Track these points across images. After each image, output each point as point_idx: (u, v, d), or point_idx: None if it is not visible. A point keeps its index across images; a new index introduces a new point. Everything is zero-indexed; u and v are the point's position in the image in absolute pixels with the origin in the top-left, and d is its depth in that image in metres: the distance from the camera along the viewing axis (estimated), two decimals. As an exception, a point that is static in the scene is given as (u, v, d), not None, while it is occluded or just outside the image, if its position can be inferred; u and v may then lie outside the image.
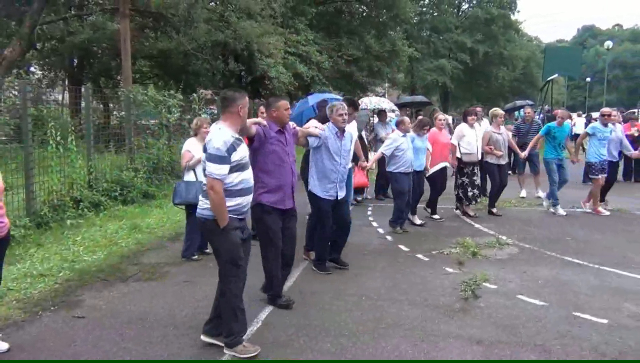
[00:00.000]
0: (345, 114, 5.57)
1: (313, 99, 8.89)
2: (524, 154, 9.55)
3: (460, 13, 42.00)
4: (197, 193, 6.06)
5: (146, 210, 9.01)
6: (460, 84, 39.71)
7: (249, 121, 4.36)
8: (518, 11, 42.45)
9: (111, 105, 15.64)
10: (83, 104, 10.09)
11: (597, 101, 56.75)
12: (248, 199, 4.01)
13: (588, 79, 56.27)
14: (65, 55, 20.06)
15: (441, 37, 38.16)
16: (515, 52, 41.14)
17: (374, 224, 8.15)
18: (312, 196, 5.68)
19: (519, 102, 19.05)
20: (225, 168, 3.72)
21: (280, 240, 4.68)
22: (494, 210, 9.05)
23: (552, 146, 9.10)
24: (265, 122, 4.62)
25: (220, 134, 3.77)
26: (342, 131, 5.59)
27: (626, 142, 9.80)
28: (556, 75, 23.00)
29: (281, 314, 4.65)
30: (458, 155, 8.72)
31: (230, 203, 3.83)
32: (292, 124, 4.96)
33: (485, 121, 10.24)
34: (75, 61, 20.91)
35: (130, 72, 13.93)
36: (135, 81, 17.27)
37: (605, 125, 9.08)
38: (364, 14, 27.00)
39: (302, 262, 6.15)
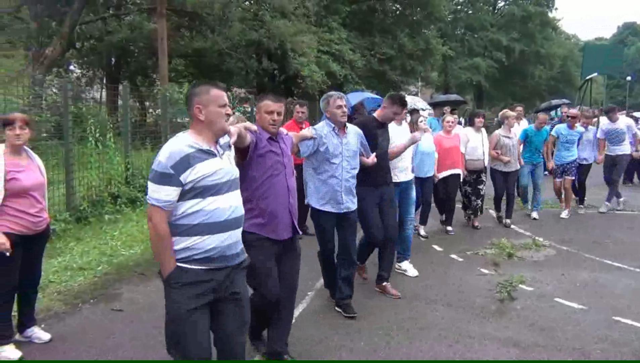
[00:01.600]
0: (345, 106, 4.49)
1: (354, 98, 8.74)
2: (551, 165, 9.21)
3: (495, 11, 41.33)
4: None
5: (181, 206, 9.14)
6: (495, 83, 39.06)
7: (239, 125, 3.29)
8: (556, 8, 41.43)
9: (147, 103, 15.94)
10: (120, 102, 10.31)
11: (638, 100, 55.12)
12: (213, 240, 2.68)
13: (629, 78, 54.69)
14: (104, 54, 20.52)
15: (476, 35, 37.63)
16: (553, 51, 40.27)
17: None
18: (312, 212, 4.57)
19: (554, 102, 18.64)
20: (169, 191, 2.59)
21: (271, 283, 3.54)
22: (508, 221, 8.20)
23: (527, 150, 8.62)
24: (255, 128, 3.50)
25: (171, 142, 2.69)
26: (342, 126, 4.48)
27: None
28: (595, 73, 22.38)
29: (315, 312, 4.66)
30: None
31: (178, 245, 2.64)
32: (283, 130, 3.89)
33: (524, 121, 10.05)
34: (113, 59, 21.36)
35: (167, 70, 14.15)
36: (171, 80, 17.57)
37: (571, 127, 8.87)
38: (398, 12, 26.83)
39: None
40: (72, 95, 8.52)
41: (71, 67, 22.20)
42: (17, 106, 7.97)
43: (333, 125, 4.44)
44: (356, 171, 4.56)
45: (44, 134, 8.69)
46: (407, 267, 5.83)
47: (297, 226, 3.65)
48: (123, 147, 9.30)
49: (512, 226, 8.09)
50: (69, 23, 15.85)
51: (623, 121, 9.57)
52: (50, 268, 5.52)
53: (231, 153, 2.92)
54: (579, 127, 8.95)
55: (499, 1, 41.88)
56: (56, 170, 7.67)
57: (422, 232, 7.51)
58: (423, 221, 7.53)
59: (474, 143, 7.87)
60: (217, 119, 2.74)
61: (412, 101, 14.81)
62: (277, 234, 3.54)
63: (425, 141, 6.84)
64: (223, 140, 2.86)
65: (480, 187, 8.00)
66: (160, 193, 2.60)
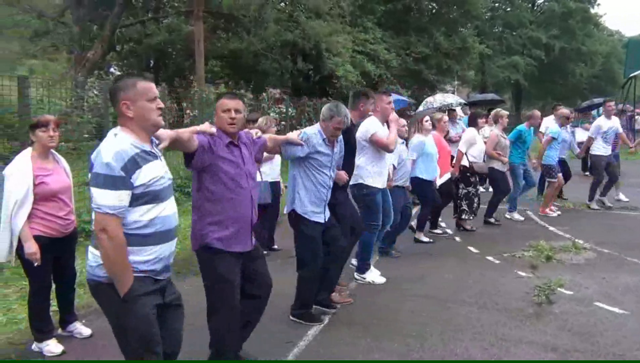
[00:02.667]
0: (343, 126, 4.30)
1: None
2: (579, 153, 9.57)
3: (535, 7, 40.43)
4: (262, 194, 6.15)
5: (217, 206, 9.26)
6: (534, 82, 38.20)
7: (189, 129, 3.12)
8: (598, 4, 40.24)
9: (184, 104, 16.21)
10: (159, 103, 10.50)
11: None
12: (167, 249, 2.61)
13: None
14: (143, 56, 21.00)
15: (514, 33, 36.88)
16: (595, 48, 39.14)
17: (442, 224, 7.99)
18: (298, 219, 4.29)
19: (596, 100, 18.13)
20: (122, 195, 2.39)
21: (237, 294, 3.37)
22: (492, 220, 8.15)
23: (521, 150, 8.41)
24: (214, 130, 3.26)
25: (114, 142, 2.46)
26: (331, 140, 4.29)
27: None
28: (639, 71, 21.62)
29: (347, 312, 4.65)
30: (465, 163, 7.60)
31: (135, 256, 2.49)
32: (254, 132, 3.70)
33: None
34: (152, 61, 21.84)
35: (203, 72, 14.38)
36: (207, 81, 17.84)
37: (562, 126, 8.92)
38: (434, 10, 26.53)
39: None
40: (112, 97, 8.72)
41: (111, 70, 22.78)
42: (60, 108, 8.23)
43: (325, 136, 4.25)
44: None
45: (85, 135, 8.93)
46: (371, 276, 5.52)
47: (252, 242, 3.49)
48: (161, 147, 9.47)
49: (551, 227, 7.91)
50: (110, 27, 16.27)
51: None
52: (90, 266, 5.67)
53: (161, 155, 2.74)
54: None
55: (539, -2, 41.01)
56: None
57: (423, 239, 7.18)
58: (420, 226, 7.22)
59: (480, 146, 7.70)
60: (147, 115, 2.53)
61: (443, 98, 14.61)
62: (242, 245, 3.37)
63: (430, 143, 6.78)
64: (155, 141, 2.69)
65: (479, 189, 7.88)
66: (111, 199, 2.37)
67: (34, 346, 3.93)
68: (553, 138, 8.61)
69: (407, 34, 23.87)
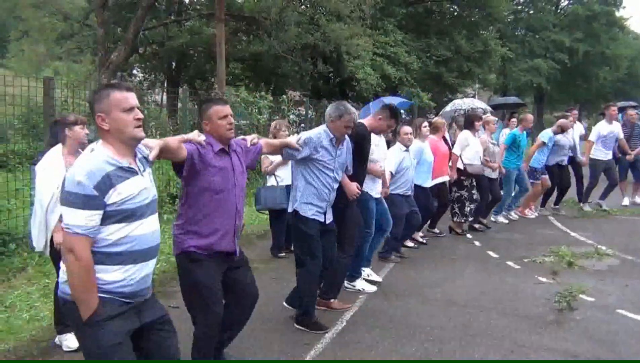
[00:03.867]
0: (352, 128, 4.34)
1: (390, 101, 8.70)
2: (630, 157, 9.33)
3: (558, 10, 39.90)
4: (277, 199, 6.17)
5: (236, 207, 9.32)
6: (557, 85, 37.68)
7: (176, 138, 3.06)
8: (623, 7, 39.68)
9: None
10: (180, 105, 10.61)
11: None
12: (142, 271, 2.45)
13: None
14: (165, 58, 21.23)
15: (537, 36, 36.44)
16: (619, 51, 38.46)
17: (468, 235, 7.88)
18: (299, 219, 4.26)
19: (619, 104, 17.82)
20: (92, 215, 2.26)
21: (218, 300, 3.31)
22: (477, 226, 8.06)
23: (515, 154, 8.38)
24: (203, 138, 3.18)
25: (88, 159, 2.33)
26: (339, 139, 4.32)
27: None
28: (666, 75, 21.25)
29: (366, 315, 4.65)
30: (460, 166, 7.56)
31: (105, 276, 2.35)
32: (250, 138, 3.63)
33: (579, 125, 9.75)
34: (174, 64, 22.06)
35: (224, 74, 14.46)
36: (228, 83, 17.95)
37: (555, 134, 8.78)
38: (455, 13, 26.35)
39: (386, 262, 6.13)
40: (134, 98, 8.85)
41: (134, 72, 23.08)
42: (84, 110, 8.36)
43: (332, 136, 4.25)
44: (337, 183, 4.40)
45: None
46: (362, 284, 5.42)
47: (237, 249, 3.43)
48: (182, 149, 9.56)
49: (573, 233, 7.80)
50: (133, 29, 16.46)
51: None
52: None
53: (151, 170, 2.63)
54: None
55: (562, 1, 40.46)
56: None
57: (419, 238, 7.20)
58: (419, 228, 7.19)
59: (476, 147, 7.60)
60: (123, 127, 2.37)
61: (472, 102, 14.55)
62: (221, 245, 3.28)
63: (428, 149, 6.80)
64: (140, 154, 2.54)
65: (474, 192, 7.75)
66: (81, 219, 2.24)
67: (57, 339, 4.01)
68: (543, 143, 8.63)
69: (427, 36, 23.75)
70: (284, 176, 6.18)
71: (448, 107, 13.62)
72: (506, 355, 3.91)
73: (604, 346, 4.07)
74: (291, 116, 14.40)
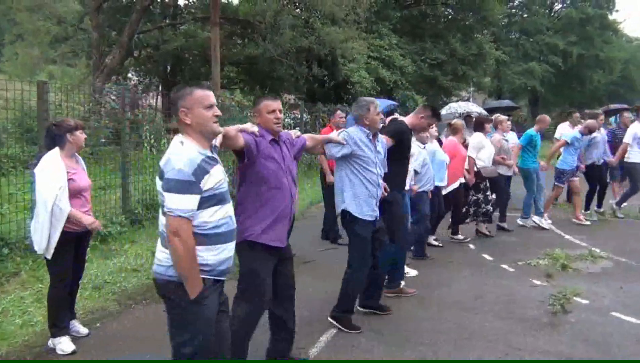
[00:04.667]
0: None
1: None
2: (614, 160, 9.09)
3: (552, 14, 40.13)
4: None
5: (231, 211, 9.30)
6: (552, 88, 37.84)
7: (233, 128, 3.21)
8: (617, 10, 39.96)
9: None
10: (175, 108, 10.59)
11: None
12: (231, 249, 2.72)
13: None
14: (160, 62, 21.21)
15: (531, 39, 36.62)
16: (613, 54, 38.67)
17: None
18: (349, 220, 4.31)
19: (612, 106, 17.90)
20: (193, 199, 2.50)
21: (269, 294, 3.46)
22: (505, 225, 8.16)
23: (532, 154, 8.35)
24: (256, 129, 3.37)
25: (183, 150, 2.56)
26: (375, 134, 4.40)
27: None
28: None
29: (361, 320, 4.63)
30: (475, 169, 7.52)
31: (205, 255, 2.59)
32: (294, 132, 3.80)
33: (578, 128, 9.72)
34: (169, 67, 22.04)
35: (219, 78, 14.47)
36: (223, 87, 17.94)
37: (583, 135, 8.60)
38: (450, 17, 26.47)
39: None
40: (129, 102, 8.82)
41: (129, 75, 23.03)
42: (78, 113, 8.35)
43: (368, 131, 4.29)
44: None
45: (103, 140, 9.05)
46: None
47: (289, 234, 3.60)
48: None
49: (567, 236, 7.82)
50: (128, 33, 16.46)
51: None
52: (106, 269, 5.73)
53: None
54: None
55: (556, 4, 40.66)
56: (113, 174, 7.96)
57: (434, 242, 7.26)
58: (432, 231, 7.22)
59: (490, 149, 7.65)
60: (205, 122, 2.63)
61: (467, 106, 14.62)
62: (277, 242, 3.43)
63: (438, 148, 6.83)
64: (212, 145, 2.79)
65: (488, 194, 7.77)
66: (185, 203, 2.47)
67: (50, 342, 4.01)
68: (567, 143, 8.52)
69: (422, 40, 23.84)
70: None
71: (444, 111, 13.67)
72: (501, 358, 3.91)
73: (598, 348, 4.08)
74: (286, 120, 14.41)
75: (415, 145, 6.07)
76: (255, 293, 3.40)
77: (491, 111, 15.85)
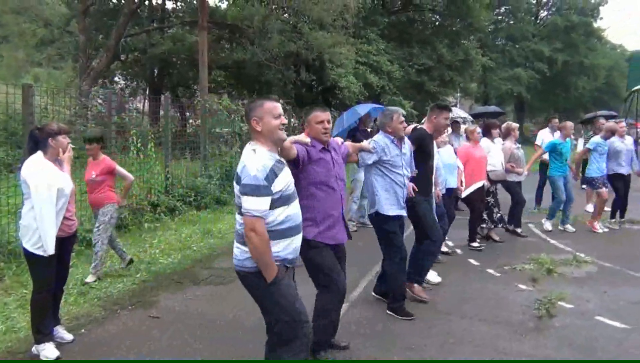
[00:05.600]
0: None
1: (363, 109, 8.81)
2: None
3: (538, 21, 40.59)
4: None
5: (218, 216, 9.28)
6: (537, 94, 38.26)
7: (288, 139, 3.45)
8: (601, 18, 40.46)
9: (188, 113, 16.29)
10: (162, 112, 10.55)
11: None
12: (297, 241, 3.14)
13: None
14: (147, 66, 21.12)
15: (517, 46, 37.01)
16: (597, 61, 39.23)
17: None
18: (380, 219, 4.75)
19: (599, 113, 18.13)
20: (266, 201, 2.89)
21: (340, 276, 3.84)
22: (519, 231, 8.21)
23: (558, 162, 8.41)
24: (308, 140, 3.72)
25: (256, 157, 2.94)
26: (400, 139, 4.80)
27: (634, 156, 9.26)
28: (642, 85, 21.62)
29: (348, 323, 4.64)
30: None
31: (275, 247, 2.99)
32: (339, 140, 4.19)
33: (558, 134, 9.81)
34: (156, 71, 21.96)
35: (207, 82, 14.44)
36: (211, 91, 17.93)
37: (606, 139, 8.67)
38: (437, 23, 26.66)
39: (368, 270, 6.13)
40: (115, 106, 8.78)
41: (115, 79, 22.91)
42: (64, 117, 8.28)
43: (392, 137, 4.71)
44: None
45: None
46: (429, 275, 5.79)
47: (349, 229, 4.00)
48: (163, 157, 9.51)
49: (552, 241, 7.89)
50: (115, 36, 16.38)
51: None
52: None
53: None
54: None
55: (542, 11, 41.15)
56: (99, 179, 7.88)
57: (444, 248, 7.12)
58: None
59: (497, 154, 7.77)
60: (274, 130, 3.01)
61: (454, 111, 14.72)
62: (335, 238, 3.84)
63: (446, 153, 6.86)
64: None
65: (498, 198, 7.85)
66: (260, 205, 2.86)
67: (34, 348, 3.96)
68: (589, 149, 8.63)
69: (410, 45, 23.97)
70: None
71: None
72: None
73: (583, 352, 4.11)
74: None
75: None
76: (328, 282, 3.77)
77: (477, 116, 15.99)
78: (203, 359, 3.97)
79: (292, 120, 15.47)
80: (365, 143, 4.73)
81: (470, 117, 14.59)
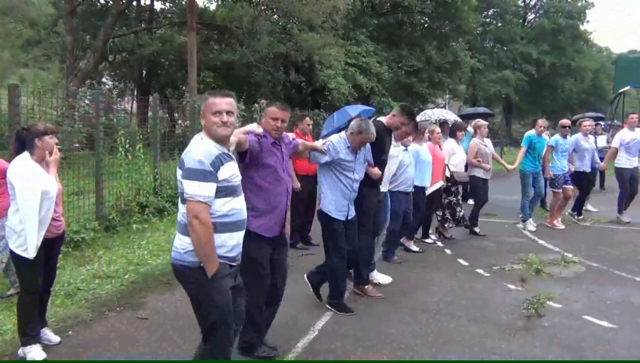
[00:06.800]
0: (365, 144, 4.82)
1: (354, 110, 8.86)
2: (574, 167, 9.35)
3: (525, 23, 40.86)
4: None
5: (207, 217, 9.22)
6: (525, 96, 38.53)
7: (240, 130, 3.57)
8: (587, 21, 40.82)
9: (176, 115, 16.20)
10: (150, 113, 10.48)
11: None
12: (239, 237, 3.02)
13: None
14: (135, 66, 20.98)
15: (505, 48, 37.25)
16: (584, 64, 39.59)
17: (433, 236, 8.01)
18: (324, 217, 4.79)
19: (588, 114, 18.31)
20: (212, 187, 2.79)
21: (268, 275, 3.83)
22: (477, 230, 8.30)
23: (532, 157, 8.62)
24: (261, 130, 3.76)
25: (202, 144, 2.89)
26: (355, 149, 4.78)
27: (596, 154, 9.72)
28: (628, 87, 21.86)
29: (338, 324, 4.64)
30: (447, 173, 7.71)
31: (219, 241, 2.89)
32: (291, 135, 4.20)
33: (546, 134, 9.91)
34: (144, 72, 21.82)
35: (196, 83, 14.40)
36: (200, 92, 17.78)
37: (565, 136, 8.92)
38: (426, 25, 26.76)
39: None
40: (103, 107, 8.70)
41: (103, 80, 22.75)
42: (50, 118, 8.19)
43: (349, 145, 4.73)
44: (359, 182, 4.87)
45: (76, 145, 8.89)
46: (379, 277, 5.80)
47: (285, 224, 3.91)
48: (152, 158, 9.44)
49: (540, 241, 7.94)
50: (103, 37, 16.28)
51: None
52: (78, 276, 5.63)
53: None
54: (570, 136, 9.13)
55: (529, 14, 41.44)
56: (86, 180, 7.83)
57: (413, 248, 7.25)
58: (412, 235, 7.34)
59: (461, 155, 7.91)
60: (211, 127, 2.91)
61: (442, 113, 14.77)
62: (273, 231, 3.81)
63: (424, 151, 7.02)
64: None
65: (460, 198, 7.93)
66: (204, 189, 2.77)
67: (20, 350, 3.90)
68: (551, 147, 8.79)
69: (399, 47, 24.05)
70: None
71: (418, 118, 13.75)
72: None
73: (571, 352, 4.14)
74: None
75: (396, 147, 6.21)
76: (255, 277, 3.73)
77: (466, 117, 16.05)
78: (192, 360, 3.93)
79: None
80: (319, 144, 4.77)
81: (459, 118, 14.64)
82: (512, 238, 8.18)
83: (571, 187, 8.89)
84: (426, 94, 25.44)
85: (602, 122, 17.21)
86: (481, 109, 19.50)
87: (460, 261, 6.83)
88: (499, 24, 39.07)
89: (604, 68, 43.40)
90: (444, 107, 29.08)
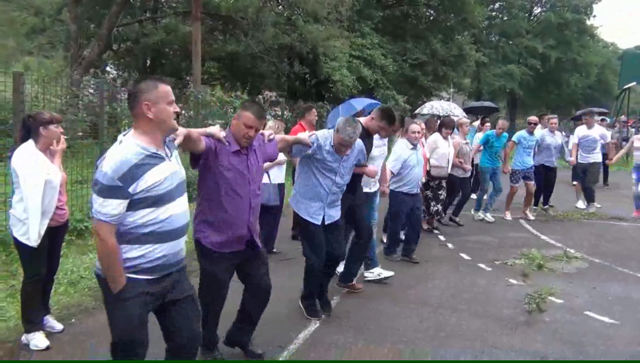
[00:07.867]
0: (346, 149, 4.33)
1: (359, 103, 8.83)
2: (572, 160, 9.90)
3: (532, 17, 40.61)
4: (271, 196, 6.08)
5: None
6: (530, 91, 38.34)
7: (198, 131, 3.24)
8: (594, 16, 40.45)
9: (180, 105, 16.17)
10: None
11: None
12: (164, 249, 2.61)
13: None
14: (139, 56, 20.92)
15: (511, 42, 37.04)
16: (590, 59, 39.34)
17: (435, 231, 8.02)
18: (302, 219, 4.44)
19: (595, 110, 18.24)
20: (116, 204, 2.43)
21: (222, 293, 3.57)
22: (457, 219, 8.66)
23: (489, 154, 8.84)
24: (223, 135, 3.35)
25: (118, 151, 2.49)
26: (337, 149, 4.36)
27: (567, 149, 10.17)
28: (634, 83, 21.75)
29: (339, 316, 4.65)
30: (427, 168, 7.66)
31: (130, 253, 2.55)
32: (267, 133, 3.71)
33: (546, 130, 9.89)
34: (148, 61, 21.76)
35: (200, 73, 14.36)
36: (204, 82, 17.82)
37: (531, 133, 9.06)
38: (431, 17, 26.60)
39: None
40: (107, 96, 8.70)
41: (107, 69, 22.71)
42: (55, 106, 8.19)
43: (333, 145, 4.30)
44: (344, 186, 4.48)
45: (80, 134, 8.90)
46: (381, 271, 5.72)
47: (256, 241, 3.55)
48: (155, 147, 9.42)
49: (543, 236, 7.94)
50: (107, 25, 16.22)
51: (597, 129, 9.97)
52: (82, 264, 5.64)
53: (177, 153, 2.80)
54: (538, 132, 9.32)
55: (535, 8, 41.17)
56: (91, 169, 7.82)
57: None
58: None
59: (443, 150, 7.75)
60: (167, 118, 2.58)
61: (449, 107, 14.74)
62: (231, 248, 3.46)
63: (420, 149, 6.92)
64: (167, 138, 2.72)
65: (440, 192, 7.89)
66: (107, 208, 2.43)
67: (24, 337, 3.93)
68: (514, 143, 9.03)
69: (404, 40, 23.91)
70: (275, 175, 6.13)
71: (425, 110, 13.70)
72: (477, 356, 3.96)
73: (573, 347, 4.15)
74: (267, 117, 14.35)
75: (402, 145, 6.32)
76: (206, 288, 3.52)
77: (470, 111, 16.04)
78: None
79: (285, 112, 15.43)
80: (305, 136, 4.27)
81: (464, 113, 14.61)
82: (515, 233, 8.18)
83: (532, 182, 9.09)
84: (430, 88, 25.31)
85: (607, 118, 17.18)
86: (486, 103, 19.46)
87: (463, 255, 6.84)
88: (505, 18, 38.83)
89: (609, 63, 43.16)
90: (448, 100, 28.98)
